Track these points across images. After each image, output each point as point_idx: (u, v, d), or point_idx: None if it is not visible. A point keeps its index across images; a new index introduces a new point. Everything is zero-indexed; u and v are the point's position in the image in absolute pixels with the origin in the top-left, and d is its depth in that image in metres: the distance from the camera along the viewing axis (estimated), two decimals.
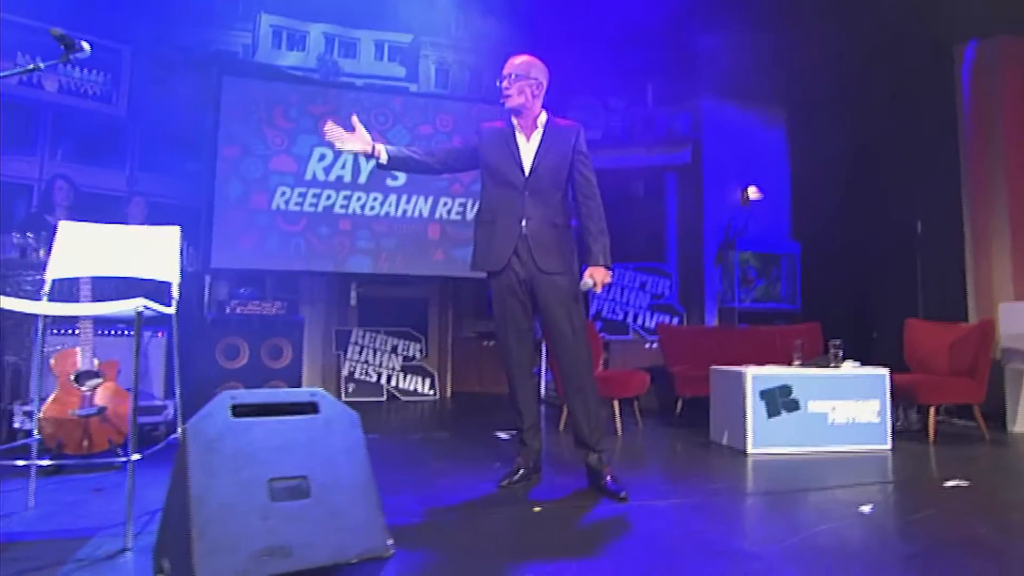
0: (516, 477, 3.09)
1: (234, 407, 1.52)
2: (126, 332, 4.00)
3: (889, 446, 4.10)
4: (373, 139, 2.97)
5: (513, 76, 3.02)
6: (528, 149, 3.08)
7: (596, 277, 2.96)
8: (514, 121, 3.10)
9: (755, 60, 6.27)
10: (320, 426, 1.57)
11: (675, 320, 6.95)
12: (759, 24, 5.97)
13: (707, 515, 2.66)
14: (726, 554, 2.18)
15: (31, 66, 1.87)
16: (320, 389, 1.67)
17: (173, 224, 2.86)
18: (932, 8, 5.44)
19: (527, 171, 3.05)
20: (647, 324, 7.08)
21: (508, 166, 3.06)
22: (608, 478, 2.93)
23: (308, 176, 6.07)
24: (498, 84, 3.08)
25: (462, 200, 6.54)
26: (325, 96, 6.21)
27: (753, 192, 6.91)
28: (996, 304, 5.33)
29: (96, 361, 3.43)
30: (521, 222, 3.01)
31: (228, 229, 5.79)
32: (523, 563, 2.06)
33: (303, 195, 6.05)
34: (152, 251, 2.71)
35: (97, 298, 3.62)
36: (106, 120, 5.76)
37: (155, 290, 2.70)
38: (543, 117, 3.12)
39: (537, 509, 2.70)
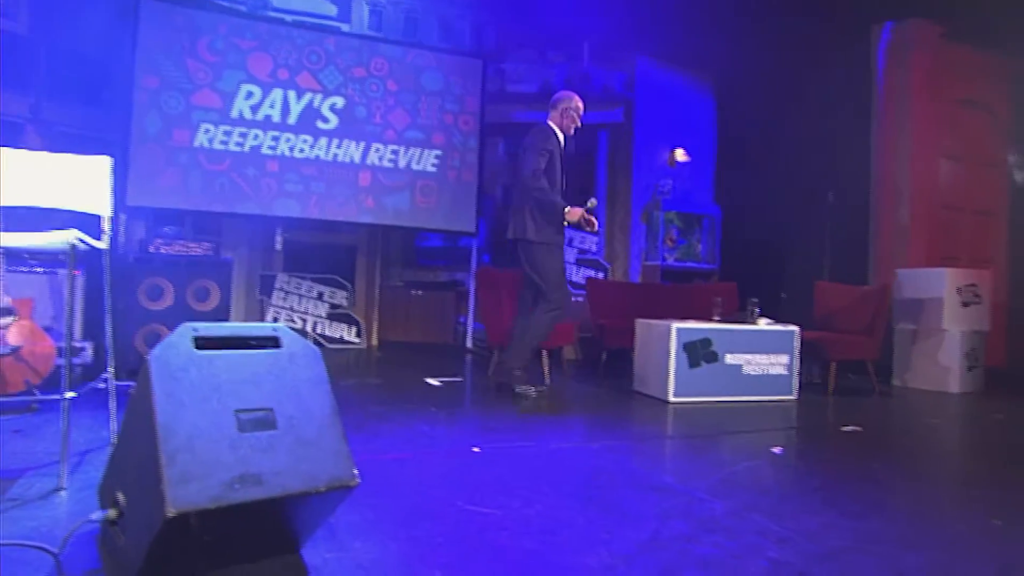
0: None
1: (196, 339, 1.50)
2: (38, 269, 3.77)
3: (795, 397, 4.45)
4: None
5: None
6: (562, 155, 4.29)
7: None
8: (559, 132, 4.32)
9: (689, 25, 6.40)
10: (284, 360, 1.58)
11: (600, 274, 7.16)
12: None
13: (636, 455, 2.83)
14: (657, 488, 2.35)
15: None
16: (282, 324, 1.67)
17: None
18: None
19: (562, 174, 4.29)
20: (573, 279, 7.26)
21: (558, 169, 4.26)
22: (511, 381, 4.09)
23: (234, 114, 5.79)
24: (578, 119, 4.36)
25: (395, 147, 6.43)
26: (255, 30, 5.89)
27: (681, 154, 7.12)
28: (893, 270, 5.80)
29: (8, 299, 3.25)
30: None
31: (146, 165, 5.47)
32: (472, 495, 2.16)
33: (228, 133, 5.78)
34: (82, 182, 2.56)
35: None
36: (4, 38, 5.27)
37: (65, 224, 2.54)
38: None
39: (476, 449, 2.80)
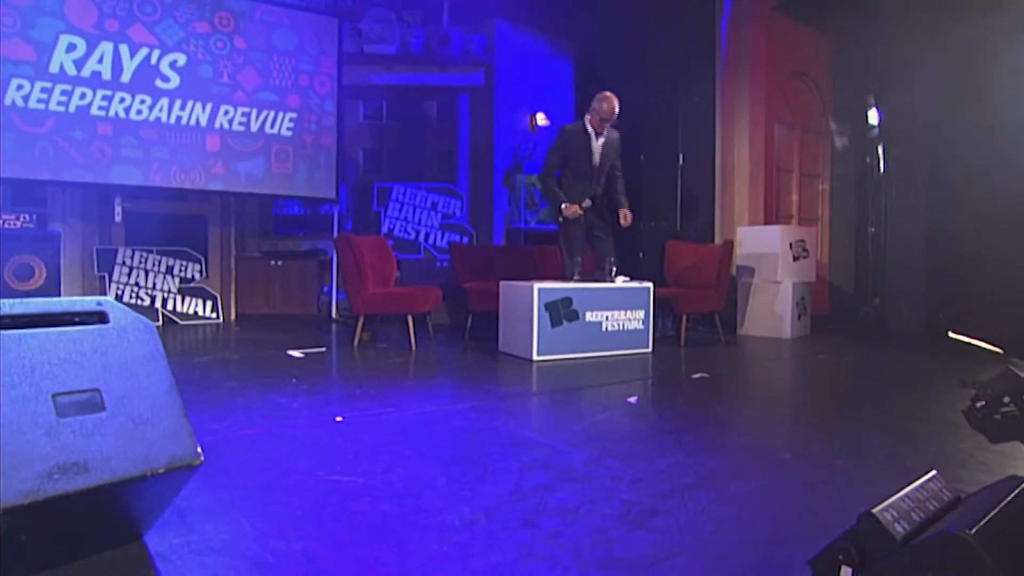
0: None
1: None
2: None
3: (650, 349, 4.73)
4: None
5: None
6: (596, 147, 4.69)
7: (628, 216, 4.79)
8: (590, 128, 4.67)
9: None
10: (112, 336, 1.45)
11: (465, 239, 7.18)
12: None
13: (500, 414, 2.90)
14: (519, 444, 2.43)
15: None
16: (108, 298, 1.53)
17: None
18: None
19: (596, 163, 4.71)
20: (438, 243, 7.24)
21: (584, 159, 4.66)
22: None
23: (54, 69, 5.17)
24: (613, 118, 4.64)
25: (245, 109, 6.04)
26: None
27: (541, 118, 7.23)
28: (735, 228, 6.26)
29: None
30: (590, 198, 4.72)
31: None
32: (332, 466, 2.12)
33: (48, 91, 5.16)
34: None
35: None
36: None
37: None
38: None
39: (339, 419, 2.75)
